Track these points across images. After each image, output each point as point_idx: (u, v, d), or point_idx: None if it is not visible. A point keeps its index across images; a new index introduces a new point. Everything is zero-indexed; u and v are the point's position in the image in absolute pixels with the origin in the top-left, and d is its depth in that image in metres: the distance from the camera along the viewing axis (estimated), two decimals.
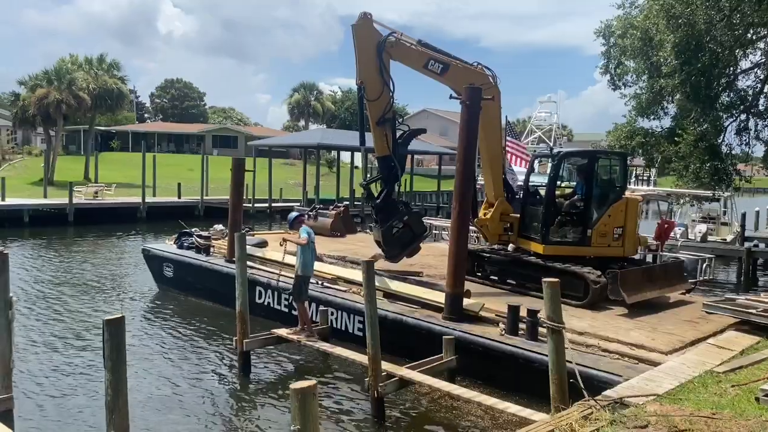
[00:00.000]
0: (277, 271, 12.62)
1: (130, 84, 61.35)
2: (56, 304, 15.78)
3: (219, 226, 17.93)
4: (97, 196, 36.40)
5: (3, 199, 32.13)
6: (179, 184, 39.26)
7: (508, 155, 27.64)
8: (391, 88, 12.62)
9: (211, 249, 16.45)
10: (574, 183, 13.52)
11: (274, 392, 10.35)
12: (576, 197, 12.77)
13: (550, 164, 13.23)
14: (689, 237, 24.04)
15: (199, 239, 16.67)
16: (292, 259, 12.04)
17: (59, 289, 17.70)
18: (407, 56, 12.63)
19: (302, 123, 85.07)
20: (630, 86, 27.54)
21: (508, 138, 27.84)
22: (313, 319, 12.17)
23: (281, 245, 11.82)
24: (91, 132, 54.21)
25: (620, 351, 9.23)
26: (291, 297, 11.66)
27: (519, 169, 26.49)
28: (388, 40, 12.29)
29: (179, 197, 38.73)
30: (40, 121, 47.02)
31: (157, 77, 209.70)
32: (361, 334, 11.17)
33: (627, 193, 13.08)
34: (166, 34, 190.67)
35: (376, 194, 13.10)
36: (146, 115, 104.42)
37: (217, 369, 11.48)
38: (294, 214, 12.37)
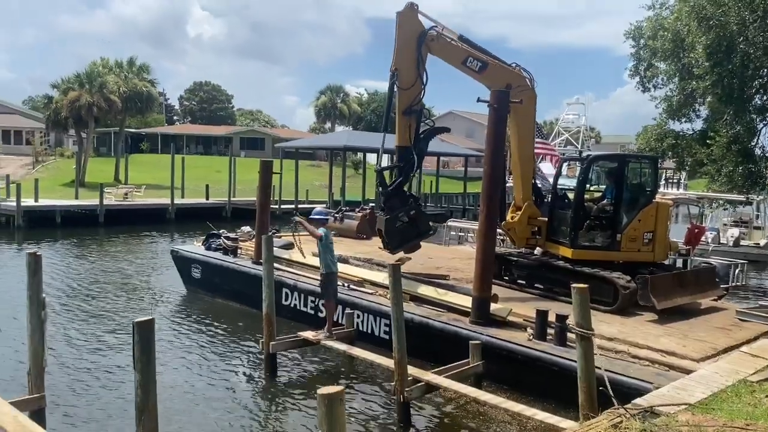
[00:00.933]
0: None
1: (160, 87, 62.17)
2: (87, 305, 16.04)
3: (246, 228, 18.07)
4: (126, 198, 36.95)
5: (36, 200, 32.73)
6: (207, 186, 39.67)
7: (539, 155, 27.46)
8: (424, 81, 12.57)
9: (239, 250, 16.58)
10: (603, 187, 13.34)
11: (299, 395, 10.38)
12: (605, 201, 12.61)
13: (578, 168, 13.06)
14: (721, 241, 23.59)
15: (226, 241, 16.81)
16: (315, 261, 12.03)
17: (90, 289, 17.99)
18: (446, 52, 12.55)
19: (328, 125, 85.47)
20: (660, 88, 27.18)
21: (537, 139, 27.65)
22: (339, 321, 12.20)
23: (293, 223, 11.62)
24: (121, 134, 55.07)
25: (650, 358, 9.08)
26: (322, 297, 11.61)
27: (547, 168, 26.27)
28: (429, 34, 12.23)
29: (207, 199, 39.12)
30: (72, 123, 47.89)
31: (186, 80, 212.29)
32: (387, 337, 11.15)
33: (657, 197, 12.89)
34: (195, 36, 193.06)
35: (389, 183, 12.94)
36: (175, 118, 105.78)
37: (244, 371, 11.55)
38: (320, 209, 12.13)
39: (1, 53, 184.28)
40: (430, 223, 13.55)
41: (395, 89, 12.52)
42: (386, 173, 13.48)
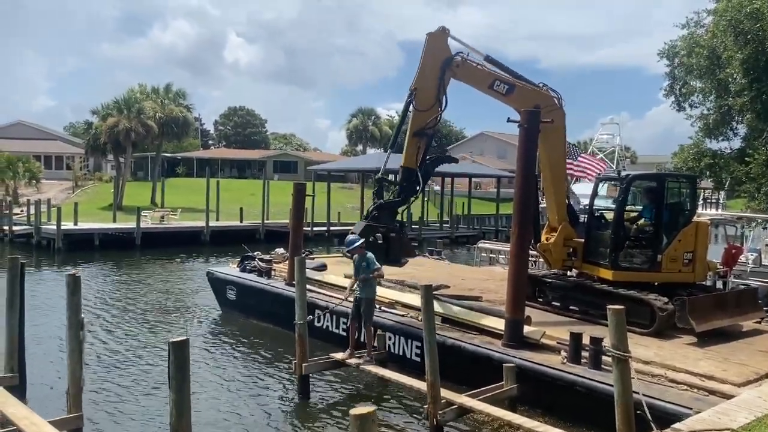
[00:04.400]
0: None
1: (195, 112, 63.73)
2: (124, 325, 16.29)
3: (280, 250, 18.21)
4: (163, 221, 37.60)
5: (75, 224, 33.54)
6: (241, 209, 40.18)
7: (577, 175, 27.20)
8: (442, 106, 12.46)
9: (272, 272, 16.71)
10: (640, 207, 13.11)
11: (332, 416, 10.35)
12: (644, 221, 12.39)
13: (618, 188, 12.81)
14: (763, 263, 22.94)
15: (260, 263, 16.98)
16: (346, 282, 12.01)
17: (127, 310, 18.28)
18: (472, 77, 12.49)
19: (360, 147, 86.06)
20: (696, 107, 26.84)
21: (582, 156, 27.44)
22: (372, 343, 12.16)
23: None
24: (158, 158, 56.25)
25: (689, 382, 8.84)
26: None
27: (581, 189, 25.92)
28: (455, 60, 12.19)
29: (241, 221, 39.60)
30: (110, 148, 49.23)
31: (223, 104, 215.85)
32: (418, 359, 11.07)
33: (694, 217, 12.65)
34: (232, 63, 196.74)
35: (387, 196, 12.62)
36: (210, 142, 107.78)
37: (277, 391, 11.58)
38: (352, 237, 11.56)
39: (44, 81, 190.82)
40: (402, 260, 12.89)
41: (411, 108, 12.37)
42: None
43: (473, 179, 53.85)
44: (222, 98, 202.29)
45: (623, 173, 13.10)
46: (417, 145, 12.38)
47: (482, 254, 23.59)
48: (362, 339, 11.62)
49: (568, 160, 25.63)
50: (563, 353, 9.97)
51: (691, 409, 7.86)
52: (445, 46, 12.27)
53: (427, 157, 12.68)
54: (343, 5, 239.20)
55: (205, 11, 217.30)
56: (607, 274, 12.06)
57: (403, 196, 12.44)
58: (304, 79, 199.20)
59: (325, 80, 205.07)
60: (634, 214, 13.05)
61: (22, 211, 37.96)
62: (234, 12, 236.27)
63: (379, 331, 12.13)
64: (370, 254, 11.32)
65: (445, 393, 9.09)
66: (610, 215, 12.87)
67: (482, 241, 28.28)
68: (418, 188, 12.45)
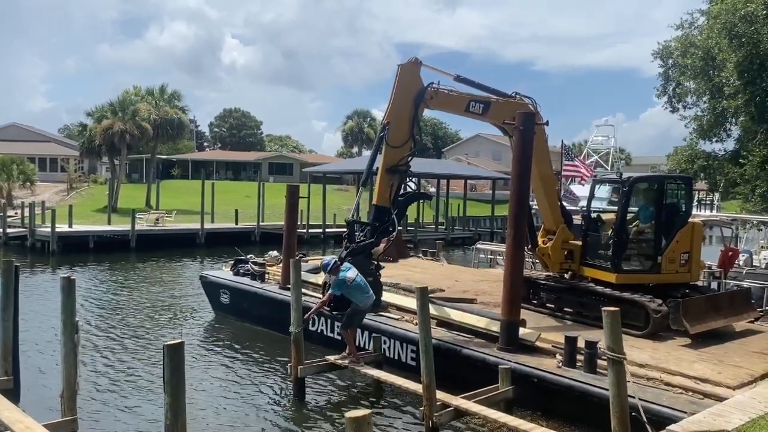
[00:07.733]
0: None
1: (191, 114, 63.46)
2: (118, 329, 16.23)
3: (273, 253, 18.17)
4: (157, 223, 37.46)
5: (70, 226, 33.38)
6: (236, 211, 40.08)
7: (569, 178, 27.24)
8: (416, 142, 12.13)
9: (266, 275, 16.67)
10: (634, 208, 13.09)
11: (328, 419, 10.33)
12: (640, 222, 12.39)
13: (620, 190, 12.74)
14: (754, 264, 22.99)
15: (254, 266, 16.94)
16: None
17: (121, 313, 18.22)
18: (447, 104, 12.31)
19: (356, 149, 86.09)
20: (690, 108, 26.95)
21: (578, 159, 27.47)
22: (365, 346, 12.15)
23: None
24: (153, 161, 56.07)
25: (684, 385, 8.85)
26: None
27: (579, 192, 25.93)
28: (428, 92, 11.86)
29: (236, 223, 39.50)
30: (105, 150, 49.05)
31: (220, 106, 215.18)
32: (414, 363, 11.06)
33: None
34: (229, 64, 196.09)
35: (357, 236, 12.09)
36: (205, 144, 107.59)
37: (273, 395, 11.55)
38: (328, 259, 11.54)
39: (40, 83, 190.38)
40: (382, 300, 12.62)
41: (383, 144, 11.92)
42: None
43: (468, 181, 53.89)
44: (220, 100, 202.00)
45: (624, 176, 13.07)
46: (390, 183, 11.95)
47: (480, 255, 23.61)
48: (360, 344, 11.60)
49: (565, 162, 25.74)
50: (558, 357, 9.98)
51: (686, 412, 7.86)
52: (417, 78, 11.89)
53: (400, 194, 12.28)
54: (341, 7, 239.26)
55: (203, 13, 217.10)
56: (609, 277, 11.99)
57: (376, 238, 11.97)
58: (301, 81, 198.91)
59: (322, 82, 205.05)
60: (629, 215, 13.06)
61: (16, 213, 37.75)
62: (232, 14, 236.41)
63: (374, 334, 12.12)
64: (343, 271, 11.04)
65: (440, 395, 9.08)
66: (605, 217, 12.89)
67: (480, 242, 28.30)
68: (391, 229, 11.99)
